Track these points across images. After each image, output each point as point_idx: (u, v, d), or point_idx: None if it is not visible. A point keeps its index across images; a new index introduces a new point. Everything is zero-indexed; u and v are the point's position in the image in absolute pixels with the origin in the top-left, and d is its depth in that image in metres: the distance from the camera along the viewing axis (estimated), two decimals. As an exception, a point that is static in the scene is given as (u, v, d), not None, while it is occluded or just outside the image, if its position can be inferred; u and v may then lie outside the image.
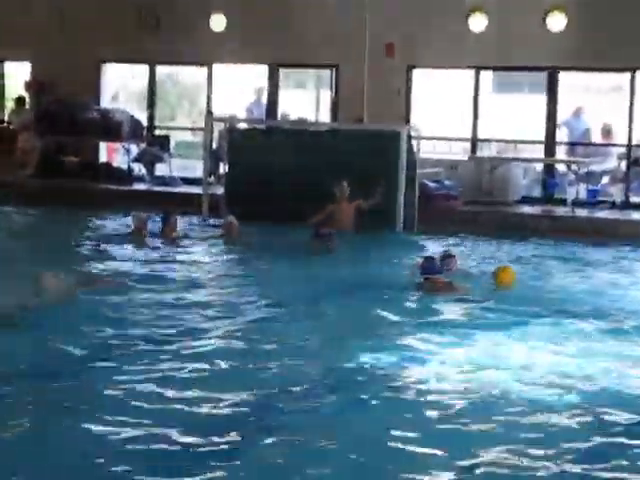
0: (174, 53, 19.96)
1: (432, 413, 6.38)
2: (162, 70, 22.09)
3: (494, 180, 17.68)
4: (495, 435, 6.01)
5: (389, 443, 5.80)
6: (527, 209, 17.48)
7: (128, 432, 5.84)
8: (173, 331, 8.44)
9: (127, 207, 15.95)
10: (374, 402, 6.62)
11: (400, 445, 5.76)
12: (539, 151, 19.51)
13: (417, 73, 19.24)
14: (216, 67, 20.39)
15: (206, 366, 7.38)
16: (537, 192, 18.92)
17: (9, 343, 7.65)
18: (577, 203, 17.50)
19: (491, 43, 18.11)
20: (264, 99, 20.46)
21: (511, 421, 6.26)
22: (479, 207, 17.02)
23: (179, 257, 12.50)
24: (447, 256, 11.25)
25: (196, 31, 19.59)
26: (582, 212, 17.11)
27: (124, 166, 20.40)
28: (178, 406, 6.34)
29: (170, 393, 6.64)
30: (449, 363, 7.63)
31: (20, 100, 21.04)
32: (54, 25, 20.27)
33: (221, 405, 6.43)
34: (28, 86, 21.08)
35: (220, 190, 17.03)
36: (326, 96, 21.13)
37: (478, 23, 18.26)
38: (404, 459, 5.61)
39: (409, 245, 14.36)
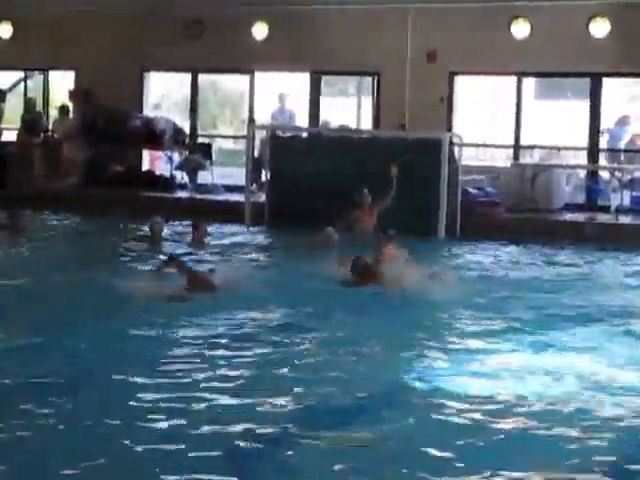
0: (217, 61, 20.07)
1: (465, 424, 6.36)
2: (204, 78, 22.22)
3: (537, 187, 17.58)
4: (532, 449, 5.99)
5: (423, 456, 5.77)
6: (570, 216, 17.36)
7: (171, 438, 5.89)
8: (209, 339, 8.46)
9: (170, 215, 16.07)
10: (408, 414, 6.59)
11: (435, 459, 5.75)
12: (582, 158, 19.41)
13: (459, 80, 19.18)
14: (258, 75, 20.46)
15: (242, 374, 7.41)
16: (580, 199, 18.80)
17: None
18: (621, 210, 17.38)
19: (534, 50, 18.02)
20: (288, 105, 20.52)
21: (557, 433, 6.22)
22: (522, 214, 16.93)
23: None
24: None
25: (238, 39, 19.67)
26: (626, 219, 16.99)
27: (167, 174, 20.51)
28: (215, 415, 6.34)
29: (209, 399, 6.66)
30: (490, 374, 7.58)
31: (64, 109, 21.21)
32: (99, 35, 20.42)
33: (258, 414, 6.44)
34: (72, 95, 21.25)
35: (262, 198, 17.08)
36: (368, 103, 21.14)
37: (521, 30, 18.19)
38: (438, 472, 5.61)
39: (451, 252, 14.36)
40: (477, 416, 6.48)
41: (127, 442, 5.78)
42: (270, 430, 6.12)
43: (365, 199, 14.76)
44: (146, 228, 14.07)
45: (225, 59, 19.89)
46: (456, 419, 6.44)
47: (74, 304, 9.49)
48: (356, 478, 5.43)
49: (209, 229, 14.32)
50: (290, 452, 5.78)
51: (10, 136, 21.61)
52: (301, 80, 20.46)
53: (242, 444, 5.85)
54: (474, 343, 8.56)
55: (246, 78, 20.68)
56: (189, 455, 5.64)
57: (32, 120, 21.13)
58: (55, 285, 10.57)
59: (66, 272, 11.23)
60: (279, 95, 20.63)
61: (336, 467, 5.55)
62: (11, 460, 5.48)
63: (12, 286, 10.56)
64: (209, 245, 13.92)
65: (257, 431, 6.09)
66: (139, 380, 7.13)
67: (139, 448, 5.72)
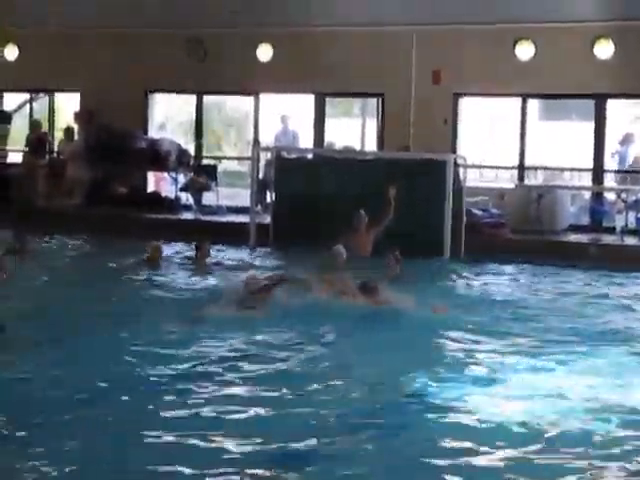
0: (221, 83, 20.13)
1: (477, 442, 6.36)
2: (209, 99, 22.27)
3: (541, 208, 17.57)
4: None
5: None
6: (575, 237, 17.34)
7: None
8: (224, 356, 8.52)
9: (174, 236, 16.11)
10: (423, 431, 6.60)
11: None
12: (587, 179, 19.41)
13: (464, 101, 19.21)
14: (263, 97, 20.51)
15: (256, 390, 7.44)
16: (585, 220, 18.79)
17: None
18: (626, 231, 17.36)
19: (538, 71, 18.06)
20: (291, 127, 20.56)
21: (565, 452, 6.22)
22: (526, 235, 16.92)
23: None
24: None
25: (243, 61, 19.73)
26: (631, 240, 16.97)
27: (172, 195, 20.54)
28: (231, 435, 6.35)
29: (226, 419, 6.71)
30: (497, 393, 7.59)
31: (69, 130, 21.27)
32: (103, 56, 20.50)
33: (275, 431, 6.46)
34: (77, 117, 21.32)
35: (267, 219, 17.09)
36: (372, 124, 21.17)
37: (525, 51, 18.23)
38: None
39: (454, 273, 14.35)
40: (484, 439, 6.48)
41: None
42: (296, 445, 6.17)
43: (362, 221, 14.75)
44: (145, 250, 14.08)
45: (229, 80, 19.96)
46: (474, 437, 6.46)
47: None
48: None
49: (211, 250, 14.30)
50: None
51: (15, 157, 21.69)
52: (305, 101, 20.51)
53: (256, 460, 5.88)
54: (478, 364, 8.56)
55: (250, 99, 20.74)
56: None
57: (38, 141, 21.19)
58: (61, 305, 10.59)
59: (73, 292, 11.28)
60: (281, 117, 20.70)
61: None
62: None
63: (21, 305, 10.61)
64: (211, 265, 13.91)
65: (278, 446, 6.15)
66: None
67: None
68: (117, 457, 5.96)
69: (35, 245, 15.04)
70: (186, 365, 8.28)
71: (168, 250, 15.22)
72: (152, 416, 6.81)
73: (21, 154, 21.52)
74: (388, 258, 13.14)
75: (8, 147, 21.77)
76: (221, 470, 5.72)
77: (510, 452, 6.18)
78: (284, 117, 20.66)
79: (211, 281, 12.80)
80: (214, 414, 6.87)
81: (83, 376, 7.67)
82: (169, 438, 6.29)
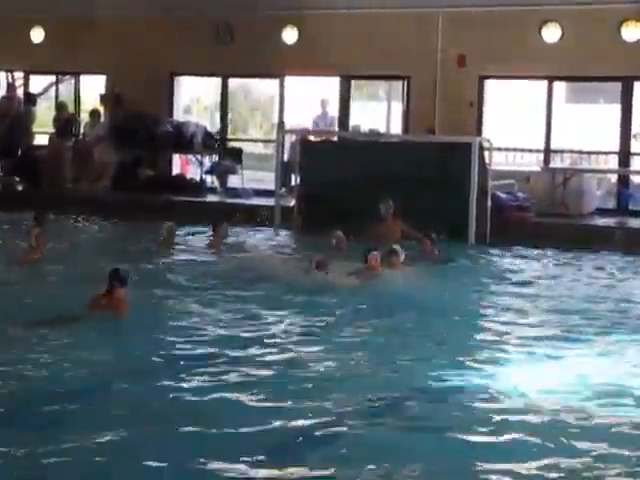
0: (247, 66, 20.12)
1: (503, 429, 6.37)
2: (234, 82, 22.27)
3: (567, 192, 17.50)
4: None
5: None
6: (601, 221, 17.26)
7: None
8: (244, 341, 8.56)
9: (200, 219, 16.16)
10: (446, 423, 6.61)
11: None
12: (613, 162, 19.30)
13: (489, 84, 19.13)
14: (288, 79, 20.50)
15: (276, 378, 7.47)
16: (611, 204, 18.70)
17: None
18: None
19: (565, 54, 17.96)
20: (330, 111, 20.49)
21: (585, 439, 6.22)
22: (552, 219, 16.85)
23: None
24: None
25: (269, 44, 19.71)
26: (658, 224, 16.88)
27: (197, 178, 20.58)
28: (247, 425, 6.34)
29: (244, 404, 6.74)
30: (520, 382, 7.59)
31: (95, 113, 21.31)
32: (129, 39, 20.54)
33: (294, 418, 6.48)
34: (103, 99, 21.36)
35: (291, 202, 17.10)
36: (397, 107, 21.11)
37: (551, 34, 18.12)
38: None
39: (480, 257, 14.34)
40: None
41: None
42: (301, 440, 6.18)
43: (389, 210, 14.74)
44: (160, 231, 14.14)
45: (255, 63, 19.92)
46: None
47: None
48: None
49: (229, 231, 14.35)
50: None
51: (41, 140, 21.77)
52: (331, 84, 20.47)
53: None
54: (504, 350, 8.57)
55: (276, 82, 20.72)
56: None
57: (65, 123, 21.25)
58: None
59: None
60: (321, 101, 20.50)
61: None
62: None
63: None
64: (227, 247, 13.95)
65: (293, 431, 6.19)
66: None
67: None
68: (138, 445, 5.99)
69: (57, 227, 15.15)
70: (200, 348, 8.34)
71: (189, 232, 15.36)
72: (169, 400, 6.85)
73: (47, 137, 21.59)
74: (424, 241, 13.21)
75: (34, 129, 21.79)
76: (240, 458, 5.73)
77: (534, 440, 6.17)
78: (324, 101, 20.51)
79: (223, 262, 12.81)
80: (233, 398, 6.90)
81: (91, 360, 7.72)
82: (187, 424, 6.33)
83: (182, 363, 7.83)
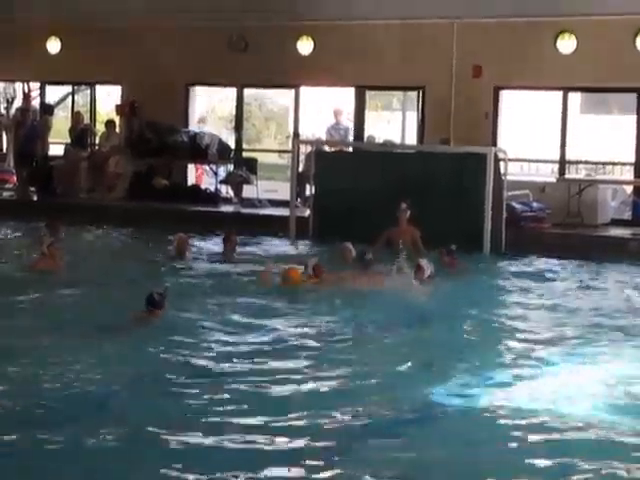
0: (262, 76, 20.15)
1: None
2: (249, 92, 22.32)
3: (582, 202, 17.47)
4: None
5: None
6: (616, 232, 17.22)
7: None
8: (255, 349, 8.59)
9: (215, 228, 16.20)
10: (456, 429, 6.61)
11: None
12: (628, 173, 19.26)
13: (505, 94, 19.13)
14: (303, 90, 20.53)
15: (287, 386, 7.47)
16: (627, 215, 18.66)
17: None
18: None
19: (580, 64, 17.95)
20: (343, 121, 20.49)
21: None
22: (567, 229, 16.83)
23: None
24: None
25: (284, 54, 19.76)
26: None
27: (212, 188, 20.63)
28: (258, 431, 6.37)
29: (254, 415, 6.73)
30: (533, 390, 7.58)
31: (111, 123, 21.38)
32: (144, 49, 20.61)
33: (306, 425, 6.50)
34: (119, 109, 21.44)
35: (306, 212, 17.12)
36: (412, 118, 21.12)
37: (567, 44, 18.12)
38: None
39: (495, 267, 14.32)
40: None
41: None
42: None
43: (404, 215, 14.72)
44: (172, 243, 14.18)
45: (270, 74, 19.96)
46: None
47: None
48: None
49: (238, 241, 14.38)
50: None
51: (57, 150, 21.86)
52: (346, 95, 20.48)
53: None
54: (519, 360, 8.56)
55: (291, 93, 20.76)
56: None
57: (81, 133, 21.35)
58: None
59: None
60: (334, 111, 20.49)
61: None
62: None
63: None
64: (240, 257, 13.96)
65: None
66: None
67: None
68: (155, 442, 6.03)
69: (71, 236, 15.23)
70: (217, 357, 8.36)
71: (203, 242, 15.39)
72: (185, 408, 6.89)
73: (63, 147, 21.68)
74: (440, 252, 13.19)
75: (50, 139, 21.88)
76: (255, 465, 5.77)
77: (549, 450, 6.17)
78: (337, 111, 20.51)
79: (235, 271, 12.83)
80: (250, 407, 6.92)
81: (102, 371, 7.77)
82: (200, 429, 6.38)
83: (199, 371, 7.87)
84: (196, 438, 6.18)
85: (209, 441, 6.15)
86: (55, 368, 7.63)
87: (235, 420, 6.60)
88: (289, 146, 19.11)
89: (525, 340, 9.35)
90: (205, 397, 7.14)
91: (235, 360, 8.23)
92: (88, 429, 6.22)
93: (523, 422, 6.69)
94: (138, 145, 20.17)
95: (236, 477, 5.58)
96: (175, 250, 13.83)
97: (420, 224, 14.41)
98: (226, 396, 7.18)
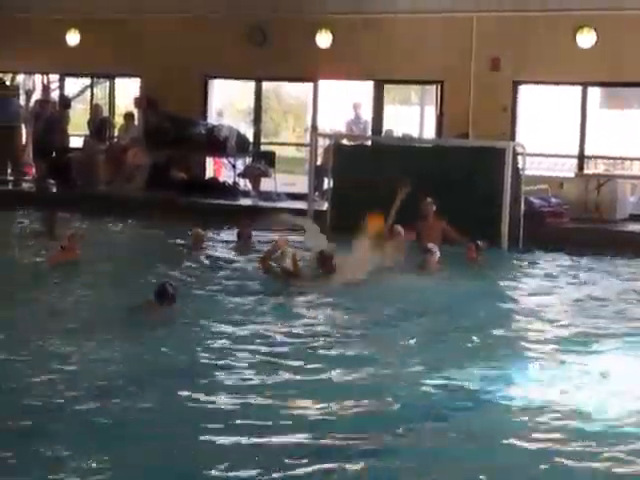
0: (280, 69, 20.16)
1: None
2: (268, 86, 22.31)
3: (601, 197, 17.42)
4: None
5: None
6: (635, 227, 17.16)
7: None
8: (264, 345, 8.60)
9: (233, 222, 16.22)
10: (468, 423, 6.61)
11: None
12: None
13: (523, 89, 19.09)
14: (321, 83, 20.52)
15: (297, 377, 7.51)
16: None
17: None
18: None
19: (599, 59, 17.90)
20: (363, 115, 20.46)
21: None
22: (585, 225, 16.79)
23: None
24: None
25: (303, 47, 19.76)
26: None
27: (230, 181, 20.64)
28: (268, 428, 6.39)
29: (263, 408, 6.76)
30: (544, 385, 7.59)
31: (129, 116, 21.42)
32: (163, 42, 20.65)
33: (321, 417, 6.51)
34: (137, 102, 21.47)
35: (324, 206, 17.12)
36: (431, 112, 21.09)
37: (586, 39, 18.06)
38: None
39: (513, 263, 14.30)
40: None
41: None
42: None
43: (430, 209, 14.72)
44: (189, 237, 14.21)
45: (289, 67, 19.98)
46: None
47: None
48: None
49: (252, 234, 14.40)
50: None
51: (76, 142, 21.92)
52: (364, 88, 20.46)
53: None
54: (538, 356, 8.55)
55: (309, 86, 20.76)
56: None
57: (99, 125, 21.41)
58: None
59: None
60: (354, 104, 20.48)
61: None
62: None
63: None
64: (253, 248, 13.98)
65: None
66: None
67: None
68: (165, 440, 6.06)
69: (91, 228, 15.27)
70: (230, 347, 8.40)
71: (218, 235, 15.42)
72: (208, 399, 6.93)
73: (82, 139, 21.75)
74: (469, 247, 13.21)
75: (69, 132, 21.93)
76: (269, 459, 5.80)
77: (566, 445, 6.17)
78: (356, 105, 20.47)
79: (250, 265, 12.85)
80: (268, 401, 6.95)
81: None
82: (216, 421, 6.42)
83: (209, 365, 7.90)
84: (212, 435, 6.22)
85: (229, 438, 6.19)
86: (63, 363, 7.68)
87: (249, 416, 6.64)
88: (307, 139, 19.08)
89: (541, 336, 9.35)
90: (223, 390, 7.19)
91: (246, 353, 8.25)
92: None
93: (541, 417, 6.71)
94: (156, 137, 20.19)
95: (248, 473, 5.61)
96: (192, 244, 13.88)
97: (420, 218, 14.44)
98: (240, 390, 7.22)
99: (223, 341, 8.63)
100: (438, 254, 12.14)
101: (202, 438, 6.12)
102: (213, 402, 6.87)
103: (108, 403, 6.73)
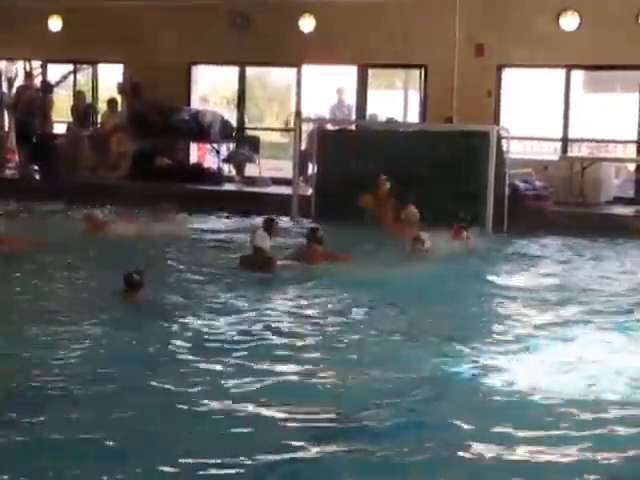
0: (264, 54, 20.10)
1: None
2: (251, 71, 22.26)
3: (585, 180, 17.45)
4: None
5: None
6: (619, 210, 17.21)
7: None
8: (259, 332, 8.57)
9: (217, 207, 16.20)
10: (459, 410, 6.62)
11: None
12: (631, 150, 19.23)
13: (507, 73, 19.08)
14: (305, 68, 20.48)
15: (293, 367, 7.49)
16: (630, 193, 18.63)
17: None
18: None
19: (583, 42, 17.90)
20: (346, 100, 20.43)
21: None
22: (570, 208, 16.82)
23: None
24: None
25: (285, 32, 19.70)
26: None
27: (214, 167, 20.60)
28: (264, 413, 6.39)
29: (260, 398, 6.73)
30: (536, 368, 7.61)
31: (112, 102, 21.34)
32: (146, 28, 20.56)
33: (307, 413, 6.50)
34: (121, 88, 21.39)
35: (309, 191, 17.10)
36: (415, 96, 21.07)
37: (570, 22, 18.06)
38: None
39: (498, 246, 14.32)
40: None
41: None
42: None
43: (383, 186, 14.85)
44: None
45: (272, 52, 19.91)
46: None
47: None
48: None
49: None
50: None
51: (59, 128, 21.83)
52: (348, 73, 20.42)
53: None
54: (525, 339, 8.57)
55: (293, 71, 20.71)
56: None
57: (83, 111, 21.33)
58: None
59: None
60: (337, 89, 20.43)
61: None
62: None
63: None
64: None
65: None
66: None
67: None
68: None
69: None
70: (228, 333, 8.41)
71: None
72: (203, 384, 6.92)
73: (65, 125, 21.66)
74: (455, 229, 13.25)
75: (52, 118, 21.85)
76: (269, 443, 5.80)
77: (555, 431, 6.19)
78: (340, 89, 20.44)
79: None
80: (265, 383, 6.96)
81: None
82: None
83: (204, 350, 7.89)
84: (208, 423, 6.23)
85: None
86: (37, 351, 7.65)
87: (237, 400, 6.64)
88: (291, 125, 19.06)
89: (527, 319, 9.36)
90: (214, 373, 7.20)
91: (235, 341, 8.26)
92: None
93: (532, 398, 6.75)
94: (140, 124, 20.12)
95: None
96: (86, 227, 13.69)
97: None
98: (229, 375, 7.22)
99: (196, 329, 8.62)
100: (429, 242, 12.15)
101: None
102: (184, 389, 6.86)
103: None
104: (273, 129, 25.76)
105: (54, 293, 10.08)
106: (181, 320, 8.78)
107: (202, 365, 7.39)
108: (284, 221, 15.64)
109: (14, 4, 21.44)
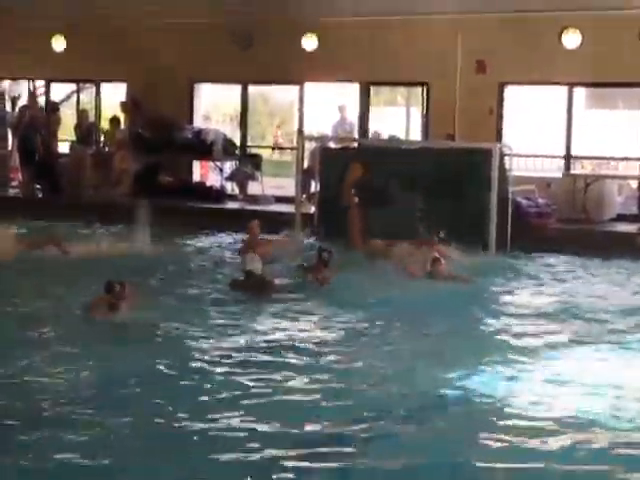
0: (266, 72, 20.14)
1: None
2: (254, 89, 22.30)
3: (588, 197, 17.44)
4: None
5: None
6: (622, 227, 17.18)
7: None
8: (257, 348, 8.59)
9: (220, 225, 16.19)
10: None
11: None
12: (634, 168, 19.23)
13: (509, 90, 19.10)
14: (307, 86, 20.51)
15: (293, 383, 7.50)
16: (633, 210, 18.61)
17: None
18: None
19: (585, 60, 17.92)
20: (348, 117, 20.46)
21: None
22: (573, 225, 16.80)
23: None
24: None
25: (288, 51, 19.74)
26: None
27: (217, 185, 20.61)
28: (262, 427, 6.41)
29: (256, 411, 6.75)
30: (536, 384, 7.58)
31: (115, 120, 21.38)
32: (149, 47, 20.61)
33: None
34: (123, 107, 21.43)
35: (312, 209, 17.10)
36: (417, 113, 21.09)
37: (571, 40, 18.08)
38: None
39: (501, 264, 14.30)
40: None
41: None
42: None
43: (353, 172, 14.99)
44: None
45: (275, 70, 19.96)
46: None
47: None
48: None
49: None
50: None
51: (63, 147, 21.86)
52: (350, 91, 20.46)
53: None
54: (530, 357, 8.56)
55: (296, 89, 20.74)
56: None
57: (86, 130, 21.37)
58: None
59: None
60: (339, 106, 20.50)
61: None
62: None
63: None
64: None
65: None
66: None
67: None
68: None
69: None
70: (235, 349, 8.41)
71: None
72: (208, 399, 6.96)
73: (68, 144, 21.70)
74: (432, 239, 13.22)
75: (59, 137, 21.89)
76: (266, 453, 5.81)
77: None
78: (341, 107, 20.48)
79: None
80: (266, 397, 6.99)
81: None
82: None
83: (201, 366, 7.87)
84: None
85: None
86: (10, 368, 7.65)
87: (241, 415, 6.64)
88: (294, 142, 19.07)
89: (531, 337, 9.35)
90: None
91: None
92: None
93: (531, 413, 6.73)
94: (142, 142, 20.16)
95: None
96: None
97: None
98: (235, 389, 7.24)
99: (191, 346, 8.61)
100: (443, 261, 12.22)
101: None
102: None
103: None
104: (275, 147, 25.80)
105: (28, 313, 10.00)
106: (166, 339, 8.78)
107: (190, 383, 7.41)
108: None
109: (17, 24, 21.48)
